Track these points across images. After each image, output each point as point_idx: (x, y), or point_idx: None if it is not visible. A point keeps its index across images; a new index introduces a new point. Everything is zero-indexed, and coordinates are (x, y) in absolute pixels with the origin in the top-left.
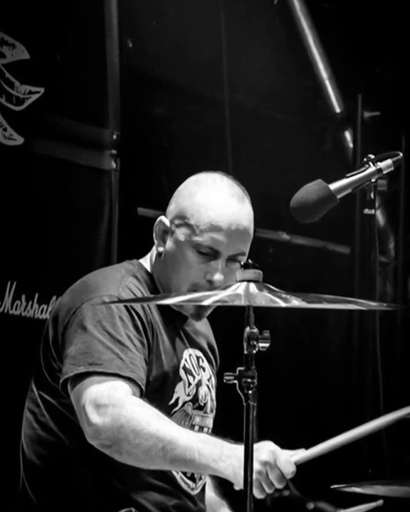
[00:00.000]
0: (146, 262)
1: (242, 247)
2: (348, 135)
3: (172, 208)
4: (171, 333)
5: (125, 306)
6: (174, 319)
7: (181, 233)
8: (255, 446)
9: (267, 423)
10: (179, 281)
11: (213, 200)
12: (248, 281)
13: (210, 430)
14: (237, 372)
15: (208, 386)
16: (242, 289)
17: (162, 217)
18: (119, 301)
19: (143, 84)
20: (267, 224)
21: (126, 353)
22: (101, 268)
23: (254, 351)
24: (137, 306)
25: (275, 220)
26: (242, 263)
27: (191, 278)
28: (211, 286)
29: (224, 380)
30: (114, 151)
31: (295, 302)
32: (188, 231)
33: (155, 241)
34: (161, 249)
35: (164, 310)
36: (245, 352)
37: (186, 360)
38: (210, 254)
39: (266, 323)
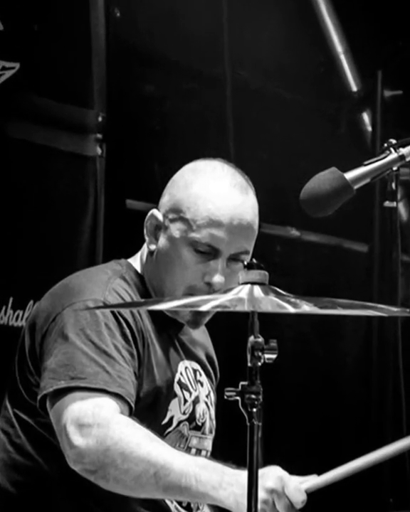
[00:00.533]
0: (135, 261)
1: (245, 245)
2: (366, 117)
3: (166, 200)
4: (164, 343)
5: (112, 312)
6: (168, 327)
7: (175, 229)
8: (261, 471)
9: (274, 445)
10: (174, 283)
11: (213, 191)
12: (252, 283)
13: (209, 453)
14: (240, 387)
15: (206, 403)
16: (245, 293)
17: (154, 211)
18: (106, 306)
19: (132, 59)
20: (275, 218)
21: (113, 365)
22: (84, 269)
23: (259, 363)
24: (126, 312)
25: (283, 214)
26: (245, 263)
27: (187, 280)
28: (210, 289)
29: (225, 397)
30: (99, 135)
31: (306, 308)
32: (183, 226)
33: (146, 238)
34: (153, 247)
35: (156, 317)
36: (249, 364)
37: (181, 373)
38: (209, 252)
39: (273, 331)
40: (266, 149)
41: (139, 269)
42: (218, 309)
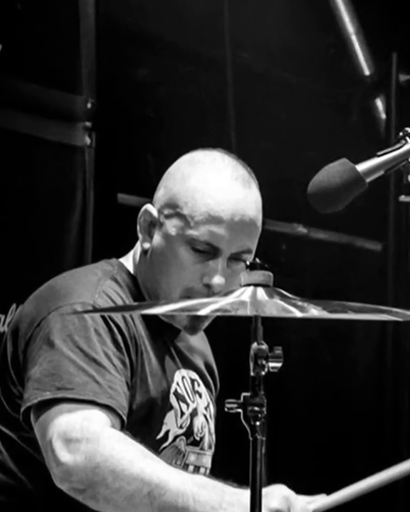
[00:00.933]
0: (128, 261)
1: (248, 243)
2: (380, 104)
3: (161, 194)
4: (159, 351)
5: (102, 317)
6: (163, 333)
7: (171, 226)
8: (264, 491)
9: (279, 462)
10: (170, 285)
11: (212, 185)
12: (255, 285)
13: (208, 471)
14: (242, 398)
15: (205, 416)
16: (247, 296)
17: (148, 206)
18: (95, 310)
19: (124, 40)
20: (280, 214)
21: (103, 374)
22: (72, 269)
23: (263, 373)
24: (117, 317)
25: (289, 209)
26: (247, 263)
27: (184, 281)
28: (209, 291)
29: (225, 409)
30: (88, 124)
31: (314, 312)
32: (180, 223)
33: (139, 236)
34: (146, 245)
35: (150, 322)
36: (252, 374)
37: (178, 383)
38: (208, 251)
39: (278, 338)
40: (270, 139)
41: (131, 270)
42: (218, 313)
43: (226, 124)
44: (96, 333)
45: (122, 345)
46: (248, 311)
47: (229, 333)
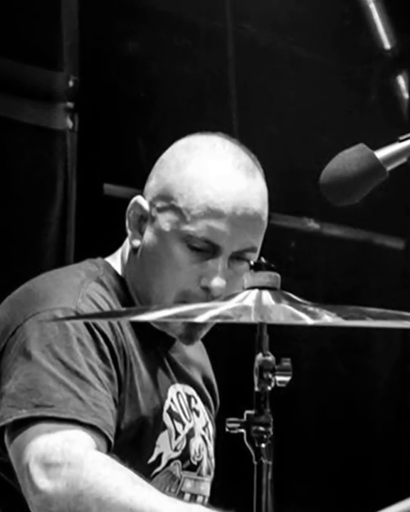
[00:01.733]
0: (115, 261)
1: (251, 240)
2: (402, 81)
3: (153, 184)
4: (151, 363)
5: (86, 324)
6: (156, 343)
7: (165, 220)
8: None
9: (287, 489)
10: (163, 288)
11: (211, 174)
12: (261, 288)
13: (206, 499)
14: (245, 417)
15: (203, 437)
16: (252, 300)
17: (138, 198)
18: (78, 316)
19: (111, 9)
20: (289, 208)
21: (87, 390)
22: (52, 270)
23: (269, 388)
24: (104, 325)
25: (299, 202)
26: (251, 263)
27: (179, 284)
28: (208, 295)
29: (226, 429)
30: (69, 104)
31: (327, 318)
32: (175, 217)
33: (129, 232)
34: (137, 243)
35: (141, 330)
36: (257, 389)
37: (172, 400)
38: (206, 250)
39: (286, 348)
40: (278, 122)
41: (119, 271)
42: (219, 320)
43: (227, 106)
44: (79, 343)
45: (108, 356)
46: (252, 318)
47: (231, 342)
